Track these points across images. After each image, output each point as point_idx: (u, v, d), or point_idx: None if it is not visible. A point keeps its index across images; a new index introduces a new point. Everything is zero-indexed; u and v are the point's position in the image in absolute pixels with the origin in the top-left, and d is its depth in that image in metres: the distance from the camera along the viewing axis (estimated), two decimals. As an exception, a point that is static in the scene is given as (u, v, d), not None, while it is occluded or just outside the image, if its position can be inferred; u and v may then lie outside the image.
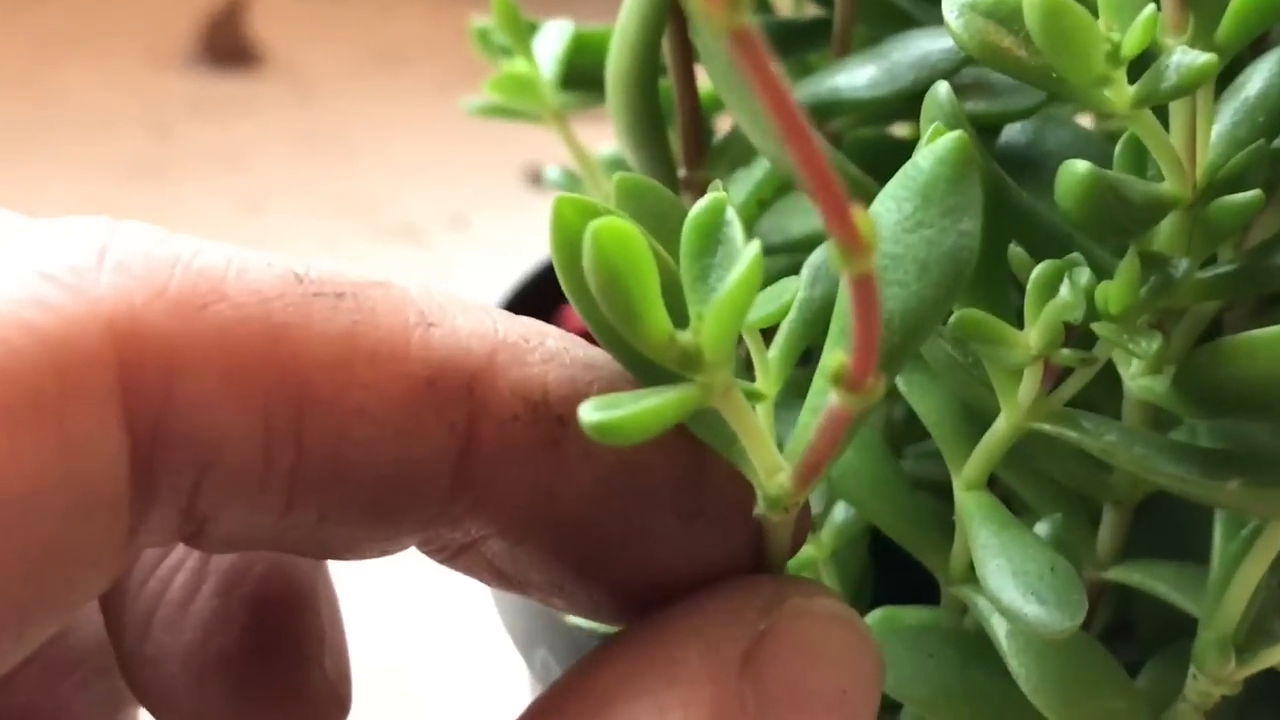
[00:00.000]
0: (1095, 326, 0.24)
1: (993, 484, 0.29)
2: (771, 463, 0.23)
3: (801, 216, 0.34)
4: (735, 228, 0.22)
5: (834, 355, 0.20)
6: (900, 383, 0.29)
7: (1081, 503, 0.31)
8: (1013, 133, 0.30)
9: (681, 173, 0.33)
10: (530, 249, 0.87)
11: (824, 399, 0.21)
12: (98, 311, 0.20)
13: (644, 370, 0.23)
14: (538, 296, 0.47)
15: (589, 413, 0.20)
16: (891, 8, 0.32)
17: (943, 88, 0.26)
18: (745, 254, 0.20)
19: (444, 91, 1.06)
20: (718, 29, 0.17)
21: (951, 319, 0.24)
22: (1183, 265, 0.25)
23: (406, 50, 1.12)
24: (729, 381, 0.22)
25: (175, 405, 0.20)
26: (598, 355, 0.23)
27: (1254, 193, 0.25)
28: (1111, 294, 0.24)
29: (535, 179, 0.95)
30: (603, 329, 0.23)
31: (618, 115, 0.31)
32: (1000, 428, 0.26)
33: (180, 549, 0.27)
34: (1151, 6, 0.23)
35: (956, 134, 0.23)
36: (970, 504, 0.27)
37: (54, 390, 0.19)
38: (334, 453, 0.21)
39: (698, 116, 0.32)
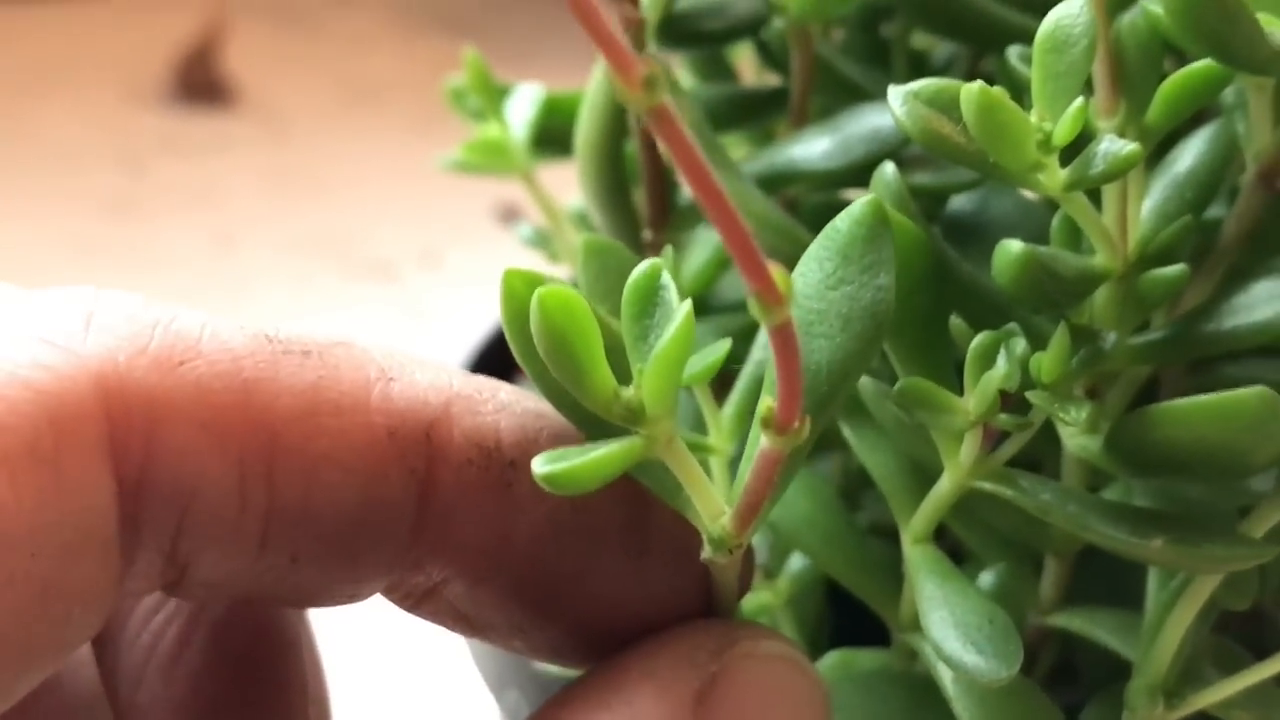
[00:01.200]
0: (1029, 395, 0.25)
1: (941, 533, 0.31)
2: (714, 508, 0.24)
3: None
4: (670, 290, 0.24)
5: (764, 401, 0.22)
6: (851, 438, 0.31)
7: (1025, 552, 0.32)
8: (959, 202, 0.32)
9: (646, 234, 0.34)
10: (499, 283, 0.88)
11: (758, 447, 0.23)
12: (86, 369, 0.21)
13: (592, 426, 0.24)
14: (504, 349, 0.48)
15: (541, 465, 0.22)
16: (844, 81, 0.33)
17: (889, 168, 0.27)
18: (678, 313, 0.22)
19: (416, 129, 1.08)
20: (637, 108, 0.18)
21: (897, 386, 0.26)
22: (1111, 338, 0.26)
23: (379, 88, 1.13)
24: (671, 433, 0.23)
25: (157, 452, 0.22)
26: (546, 406, 0.25)
27: (1179, 267, 0.27)
28: (1044, 364, 0.25)
29: (506, 216, 0.96)
30: (552, 390, 0.25)
31: (585, 181, 0.33)
32: (944, 485, 0.28)
33: (172, 604, 0.28)
34: (1081, 99, 0.25)
35: (869, 198, 0.25)
36: (916, 557, 0.28)
37: (49, 440, 0.21)
38: (303, 496, 0.23)
39: (661, 182, 0.33)
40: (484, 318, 0.50)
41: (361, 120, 1.09)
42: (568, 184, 0.41)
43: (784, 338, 0.21)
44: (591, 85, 0.32)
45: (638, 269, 0.24)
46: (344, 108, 1.09)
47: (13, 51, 1.08)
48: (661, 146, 0.34)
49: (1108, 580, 0.33)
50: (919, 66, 0.37)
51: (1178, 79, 0.27)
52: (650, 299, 0.24)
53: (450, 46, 1.22)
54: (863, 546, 0.32)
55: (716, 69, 0.38)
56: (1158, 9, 0.25)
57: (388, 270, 0.93)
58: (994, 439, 0.27)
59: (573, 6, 0.18)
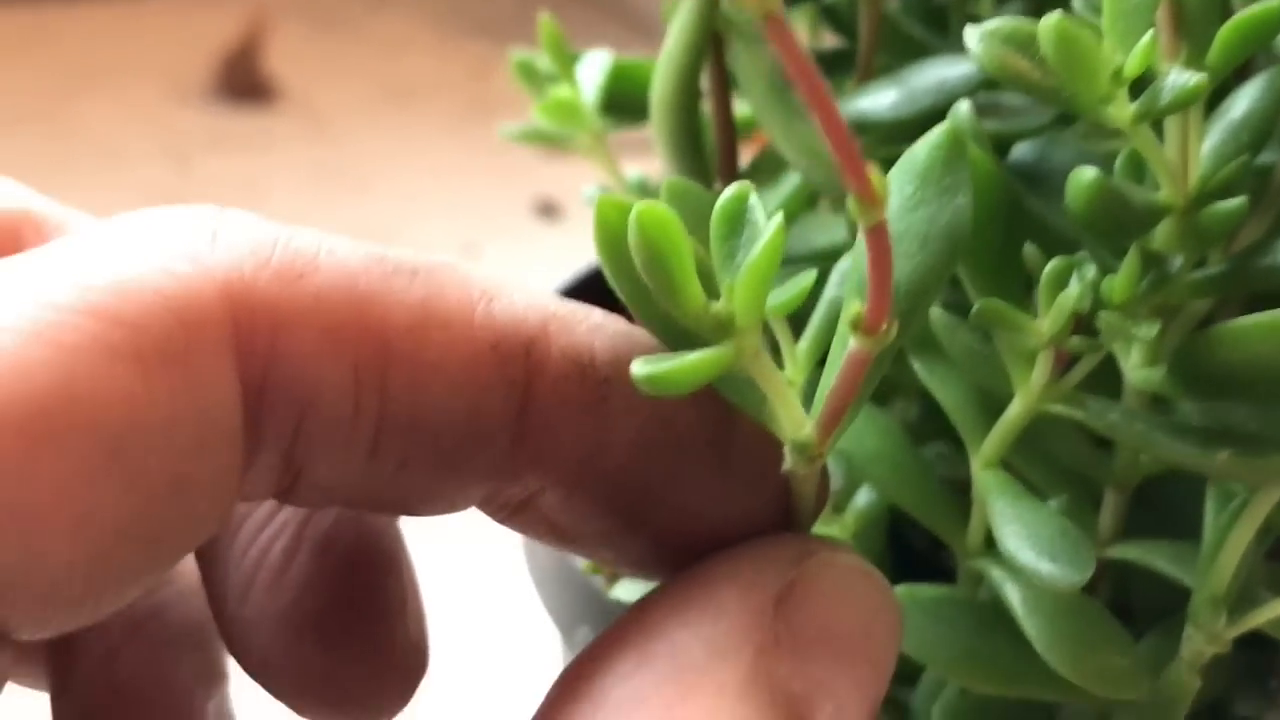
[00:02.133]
0: (1102, 315, 0.27)
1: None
2: (798, 418, 0.26)
3: (824, 230, 0.38)
4: (758, 211, 0.25)
5: (852, 304, 0.24)
6: (923, 373, 0.32)
7: (1085, 486, 0.34)
8: (1022, 150, 0.34)
9: (717, 186, 0.36)
10: (540, 278, 0.90)
11: (843, 353, 0.24)
12: (214, 278, 0.23)
13: (682, 341, 0.26)
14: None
15: (639, 367, 0.23)
16: (909, 39, 0.35)
17: (963, 106, 0.29)
18: (768, 228, 0.24)
19: (452, 126, 1.09)
20: (753, 13, 0.20)
21: (974, 308, 0.27)
22: (1177, 263, 0.28)
23: (416, 86, 1.15)
24: (758, 346, 0.25)
25: (279, 358, 0.23)
26: (637, 329, 0.27)
27: (1239, 200, 0.28)
28: (1115, 287, 0.27)
29: (545, 211, 0.98)
30: (644, 305, 0.26)
31: (661, 134, 0.35)
32: (1015, 410, 0.29)
33: (279, 520, 0.29)
34: (1150, 32, 0.26)
35: (946, 125, 0.26)
36: (988, 480, 0.30)
37: (180, 340, 0.22)
38: (412, 403, 0.24)
39: (732, 138, 0.35)
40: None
41: (399, 119, 1.10)
42: (628, 158, 0.42)
43: (878, 238, 0.23)
44: (667, 47, 0.34)
45: (727, 191, 0.26)
46: (382, 106, 1.11)
47: (61, 51, 1.10)
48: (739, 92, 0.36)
49: (1164, 515, 0.35)
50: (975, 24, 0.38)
51: (1235, 23, 0.28)
52: (738, 219, 0.25)
53: (484, 49, 1.24)
54: (930, 478, 0.33)
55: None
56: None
57: (429, 262, 0.94)
58: (1064, 363, 0.29)
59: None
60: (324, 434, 0.24)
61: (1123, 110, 0.27)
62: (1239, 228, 0.31)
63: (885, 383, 0.34)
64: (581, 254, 0.46)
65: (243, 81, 1.08)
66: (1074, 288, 0.27)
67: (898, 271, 0.26)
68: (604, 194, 0.26)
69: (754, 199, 0.25)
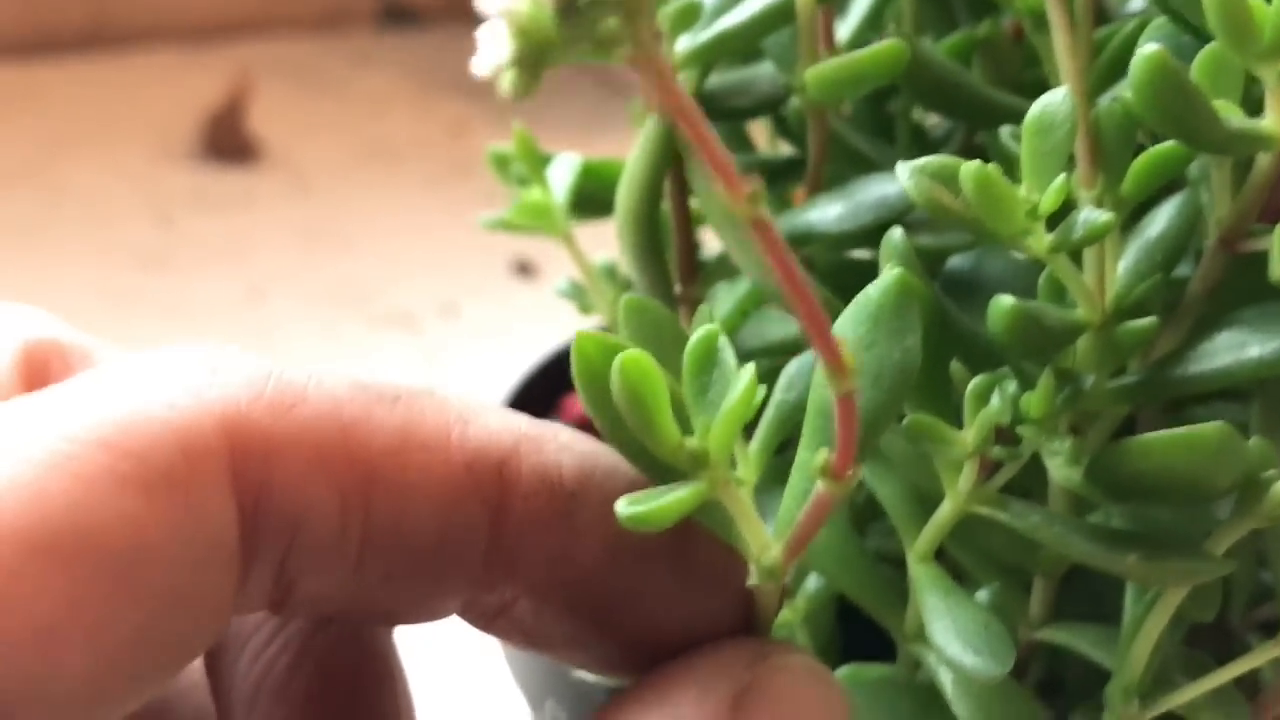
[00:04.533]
0: (1020, 429, 0.29)
1: (941, 555, 0.35)
2: (764, 541, 0.28)
3: (777, 325, 0.40)
4: (727, 352, 0.28)
5: (820, 453, 0.26)
6: (864, 471, 0.35)
7: (1016, 573, 0.36)
8: (957, 261, 0.36)
9: (677, 289, 0.38)
10: (517, 335, 0.92)
11: (805, 487, 0.27)
12: (212, 412, 0.25)
13: (656, 469, 0.28)
14: (540, 390, 0.53)
15: (624, 507, 0.26)
16: (854, 152, 0.37)
17: (897, 233, 0.31)
18: (742, 376, 0.26)
19: (434, 185, 1.12)
20: (741, 217, 0.23)
21: (905, 421, 0.30)
22: (1090, 380, 0.30)
23: (397, 144, 1.18)
24: (728, 477, 0.27)
25: (271, 483, 0.26)
26: (601, 446, 0.29)
27: (1150, 319, 0.31)
28: (1033, 403, 0.29)
29: (522, 270, 1.00)
30: (620, 435, 0.28)
31: (624, 241, 0.37)
32: (945, 510, 0.32)
33: (283, 636, 0.32)
34: (1063, 175, 0.29)
35: (898, 271, 0.29)
36: (921, 574, 0.32)
37: (182, 469, 0.25)
38: (394, 522, 0.27)
39: (690, 242, 0.37)
40: (505, 374, 0.54)
41: (381, 177, 1.13)
42: (597, 241, 0.45)
43: (847, 404, 0.25)
44: (632, 157, 0.36)
45: (697, 333, 0.28)
46: (364, 165, 1.14)
47: (49, 109, 1.12)
48: (694, 205, 0.38)
49: (1090, 599, 0.37)
50: (921, 137, 0.41)
51: (1148, 156, 0.31)
52: (709, 359, 0.28)
53: (464, 108, 1.27)
54: (873, 568, 0.36)
55: (737, 139, 0.43)
56: (1130, 96, 0.29)
57: (409, 321, 0.97)
58: (989, 469, 0.31)
59: (689, 132, 0.22)
60: (313, 551, 0.26)
61: (1040, 242, 0.29)
62: (1156, 339, 0.33)
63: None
64: (556, 312, 0.49)
65: (227, 141, 1.10)
66: (995, 404, 0.29)
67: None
68: (583, 332, 0.29)
69: (723, 340, 0.28)
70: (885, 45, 0.33)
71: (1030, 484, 0.35)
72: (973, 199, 0.28)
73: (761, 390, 0.31)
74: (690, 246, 0.37)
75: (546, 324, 0.56)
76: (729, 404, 0.26)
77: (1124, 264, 0.33)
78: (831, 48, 0.40)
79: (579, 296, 0.44)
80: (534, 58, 0.22)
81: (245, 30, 1.22)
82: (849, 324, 0.29)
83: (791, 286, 0.23)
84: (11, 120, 1.10)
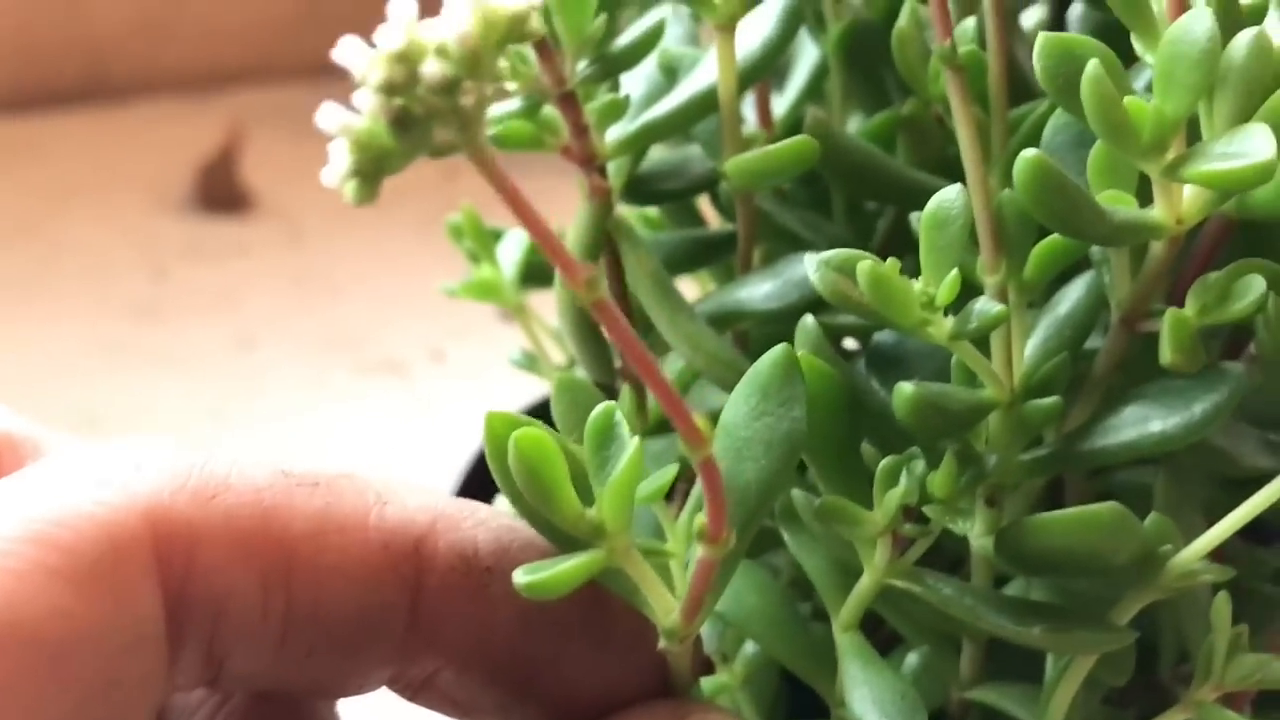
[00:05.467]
0: (926, 509, 0.31)
1: (879, 618, 0.36)
2: (667, 605, 0.30)
3: (714, 396, 0.42)
4: (623, 427, 0.30)
5: (698, 519, 0.28)
6: (790, 543, 0.36)
7: (947, 636, 0.37)
8: (882, 337, 0.38)
9: (617, 363, 0.40)
10: (501, 377, 0.93)
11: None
12: (137, 505, 0.27)
13: (562, 539, 0.30)
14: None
15: (521, 576, 0.28)
16: (783, 230, 0.39)
17: (808, 320, 0.33)
18: (629, 448, 0.28)
19: (423, 231, 1.13)
20: (582, 300, 0.24)
21: (816, 504, 0.31)
22: (993, 459, 0.32)
23: (389, 189, 1.19)
24: (629, 545, 0.29)
25: (195, 569, 0.28)
26: (518, 522, 0.31)
27: (1053, 399, 0.32)
28: (936, 483, 0.31)
29: (507, 316, 1.02)
30: (528, 511, 0.30)
31: (562, 320, 0.39)
32: (864, 583, 0.33)
33: (225, 711, 0.33)
34: (956, 271, 0.30)
35: (783, 346, 0.31)
36: (843, 644, 0.34)
37: (109, 561, 0.27)
38: (315, 601, 0.28)
39: (630, 321, 0.39)
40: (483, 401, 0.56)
41: (371, 223, 1.14)
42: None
43: (709, 469, 0.27)
44: (568, 238, 0.38)
45: (596, 409, 0.30)
46: (354, 211, 1.15)
47: (45, 163, 1.14)
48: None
49: (1022, 659, 0.38)
50: (856, 212, 0.42)
51: (1045, 245, 0.32)
52: (607, 434, 0.30)
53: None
54: (804, 634, 0.37)
55: (685, 213, 0.44)
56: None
57: (398, 367, 0.98)
58: (904, 543, 0.33)
59: (528, 227, 0.24)
60: (238, 631, 0.28)
61: (940, 331, 0.31)
62: (1069, 413, 0.35)
63: (769, 537, 0.38)
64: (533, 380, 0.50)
65: (221, 191, 1.12)
66: (902, 484, 0.31)
67: (746, 474, 0.30)
68: (492, 412, 0.30)
69: (618, 416, 0.30)
70: (796, 141, 0.34)
71: (963, 552, 0.36)
72: (868, 294, 0.29)
73: (670, 470, 0.33)
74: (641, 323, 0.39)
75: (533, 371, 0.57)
76: (616, 474, 0.28)
77: (1034, 341, 0.34)
78: (768, 123, 0.42)
79: (532, 365, 0.46)
80: (372, 169, 0.24)
81: (239, 80, 1.24)
82: (741, 397, 0.31)
83: (638, 362, 0.25)
84: (10, 175, 1.12)
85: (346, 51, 0.23)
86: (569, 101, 0.35)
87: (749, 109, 0.42)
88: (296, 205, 1.15)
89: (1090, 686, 0.34)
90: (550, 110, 0.36)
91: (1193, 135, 0.30)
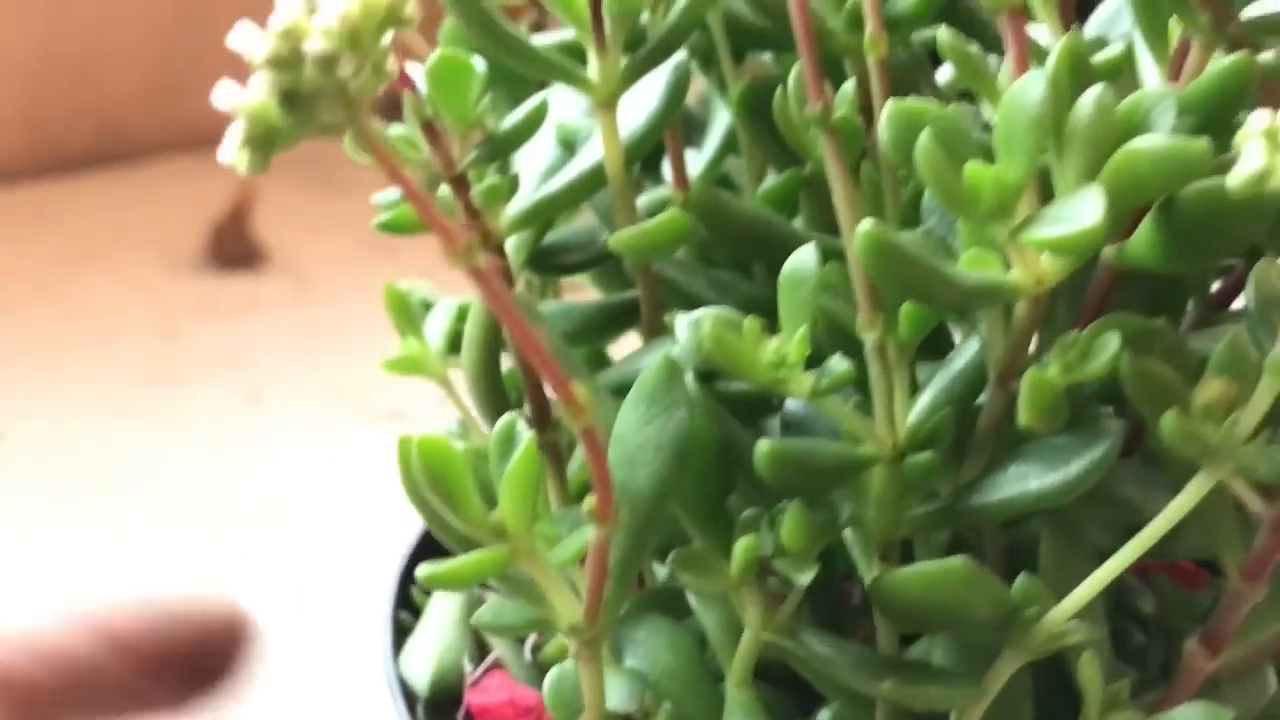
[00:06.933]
0: (776, 562, 0.31)
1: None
2: (571, 607, 0.31)
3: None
4: (524, 434, 0.31)
5: (588, 500, 0.29)
6: (693, 601, 0.37)
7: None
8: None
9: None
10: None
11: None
12: None
13: (472, 549, 0.31)
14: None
15: (423, 569, 0.29)
16: (686, 294, 0.40)
17: (689, 381, 0.34)
18: (520, 445, 0.29)
19: (431, 276, 1.15)
20: (458, 263, 0.25)
21: (672, 555, 0.32)
22: (846, 510, 0.32)
23: (395, 243, 1.21)
24: (532, 548, 0.30)
25: None
26: None
27: (928, 455, 0.33)
28: (786, 536, 0.31)
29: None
30: (435, 520, 0.31)
31: (471, 393, 0.40)
32: (745, 638, 0.34)
33: None
34: (804, 328, 0.31)
35: (664, 353, 0.33)
36: (734, 699, 0.34)
37: None
38: None
39: (540, 390, 0.40)
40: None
41: (381, 270, 1.16)
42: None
43: (590, 440, 0.28)
44: (470, 314, 0.39)
45: (500, 421, 0.31)
46: (364, 263, 1.17)
47: (56, 228, 1.17)
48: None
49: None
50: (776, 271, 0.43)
51: (912, 306, 0.33)
52: (509, 444, 0.31)
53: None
54: (714, 691, 0.37)
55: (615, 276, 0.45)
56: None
57: (402, 417, 0.99)
58: (778, 600, 0.33)
59: (411, 201, 0.25)
60: None
61: (801, 387, 0.31)
62: (962, 468, 0.35)
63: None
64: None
65: (232, 249, 1.14)
66: (748, 540, 0.31)
67: (641, 478, 0.32)
68: (403, 436, 0.31)
69: (520, 426, 0.31)
70: (668, 217, 0.35)
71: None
72: (711, 354, 0.30)
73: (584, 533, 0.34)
74: (540, 394, 0.40)
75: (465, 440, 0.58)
76: (509, 469, 0.29)
77: (926, 397, 0.35)
78: (683, 183, 0.43)
79: (465, 435, 0.47)
80: (262, 141, 0.25)
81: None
82: (629, 406, 0.32)
83: (519, 333, 0.27)
84: (24, 241, 1.14)
85: (241, 34, 0.24)
86: (460, 184, 0.36)
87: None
88: (306, 259, 1.16)
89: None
90: (445, 191, 0.37)
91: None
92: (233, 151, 0.25)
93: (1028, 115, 0.29)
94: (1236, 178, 0.26)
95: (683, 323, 0.32)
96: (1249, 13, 0.33)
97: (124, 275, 1.12)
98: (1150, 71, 0.36)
